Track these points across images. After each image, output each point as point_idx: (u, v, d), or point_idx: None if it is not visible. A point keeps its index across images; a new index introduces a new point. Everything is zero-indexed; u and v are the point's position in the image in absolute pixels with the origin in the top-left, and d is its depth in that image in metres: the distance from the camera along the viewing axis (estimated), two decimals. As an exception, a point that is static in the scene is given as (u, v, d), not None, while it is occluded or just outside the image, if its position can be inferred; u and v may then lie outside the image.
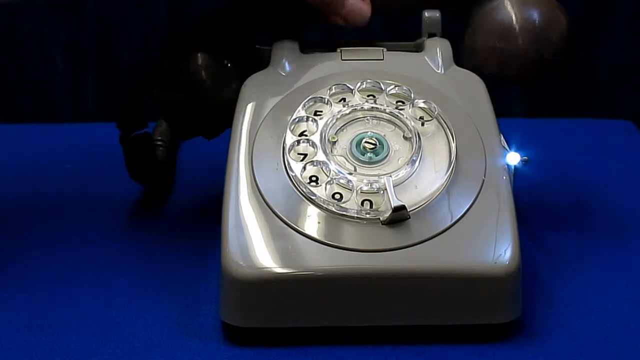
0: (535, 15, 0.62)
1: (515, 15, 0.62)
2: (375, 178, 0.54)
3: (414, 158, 0.55)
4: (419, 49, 0.64)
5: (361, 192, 0.54)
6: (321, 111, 0.58)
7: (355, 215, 0.53)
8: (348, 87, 0.58)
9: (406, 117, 0.57)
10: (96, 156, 0.76)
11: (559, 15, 0.63)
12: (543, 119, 0.87)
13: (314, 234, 0.52)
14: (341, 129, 0.57)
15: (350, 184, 0.54)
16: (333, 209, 0.53)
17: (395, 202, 0.52)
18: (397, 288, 0.52)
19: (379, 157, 0.55)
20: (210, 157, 0.65)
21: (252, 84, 0.60)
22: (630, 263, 0.62)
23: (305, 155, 0.55)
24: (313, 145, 0.56)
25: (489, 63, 0.62)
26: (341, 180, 0.54)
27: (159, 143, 0.70)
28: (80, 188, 0.72)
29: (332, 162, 0.55)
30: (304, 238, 0.52)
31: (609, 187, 0.72)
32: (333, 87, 0.58)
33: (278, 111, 0.58)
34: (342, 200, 0.53)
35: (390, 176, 0.54)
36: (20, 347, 0.54)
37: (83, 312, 0.57)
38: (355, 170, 0.54)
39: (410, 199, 0.53)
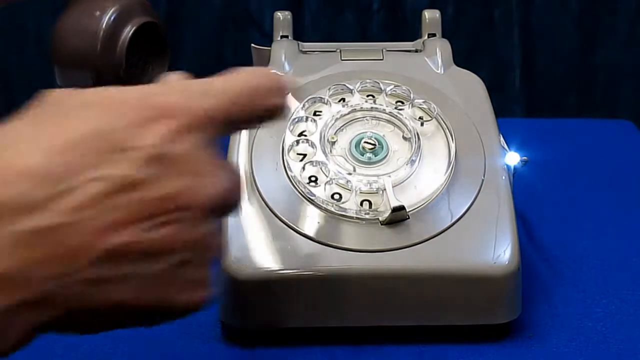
0: None
1: None
2: (375, 178, 0.54)
3: (413, 158, 0.55)
4: (418, 49, 0.64)
5: (360, 193, 0.54)
6: (320, 111, 0.58)
7: (355, 215, 0.53)
8: (347, 87, 0.58)
9: (405, 117, 0.57)
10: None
11: None
12: (543, 119, 0.87)
13: (314, 234, 0.52)
14: (340, 129, 0.57)
15: (350, 184, 0.54)
16: (332, 209, 0.53)
17: (394, 203, 0.52)
18: (397, 288, 0.52)
19: (378, 157, 0.55)
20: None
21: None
22: (630, 263, 0.62)
23: (305, 155, 0.55)
24: (312, 145, 0.56)
25: None
26: (340, 181, 0.54)
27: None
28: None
29: (331, 162, 0.55)
30: (304, 238, 0.52)
31: (609, 187, 0.72)
32: (332, 87, 0.58)
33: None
34: (342, 201, 0.53)
35: (390, 176, 0.54)
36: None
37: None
38: (354, 170, 0.54)
39: (410, 199, 0.53)
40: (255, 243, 0.52)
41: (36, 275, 0.31)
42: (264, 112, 0.39)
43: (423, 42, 0.64)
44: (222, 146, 0.58)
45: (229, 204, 0.37)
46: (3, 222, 0.31)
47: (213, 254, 0.36)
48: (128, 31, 0.63)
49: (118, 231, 0.33)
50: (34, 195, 0.32)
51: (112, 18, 0.63)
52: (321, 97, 0.58)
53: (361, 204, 0.53)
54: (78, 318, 0.34)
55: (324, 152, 0.55)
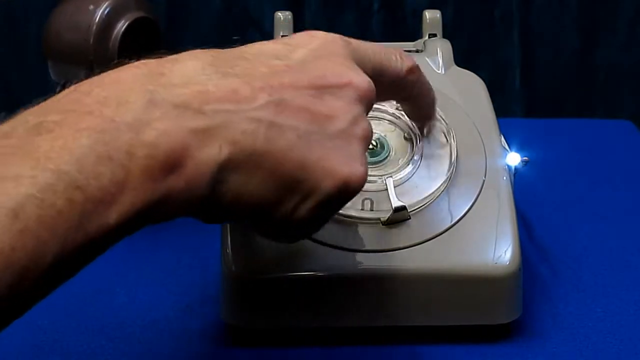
0: None
1: None
2: (376, 179, 0.54)
3: (415, 158, 0.55)
4: (419, 49, 0.63)
5: (362, 193, 0.53)
6: (321, 111, 0.57)
7: (356, 215, 0.53)
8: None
9: (407, 118, 0.56)
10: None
11: None
12: (543, 119, 0.87)
13: (314, 235, 0.52)
14: (341, 129, 0.56)
15: (351, 184, 0.54)
16: (333, 209, 0.53)
17: (395, 203, 0.52)
18: (398, 288, 0.52)
19: (379, 158, 0.55)
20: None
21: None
22: (630, 263, 0.62)
23: (306, 155, 0.55)
24: (313, 145, 0.55)
25: None
26: (341, 181, 0.54)
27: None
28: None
29: (332, 162, 0.54)
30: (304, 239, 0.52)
31: (608, 187, 0.72)
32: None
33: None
34: (343, 201, 0.53)
35: (391, 177, 0.54)
36: (21, 347, 0.54)
37: (83, 312, 0.57)
38: (355, 170, 0.54)
39: (411, 199, 0.53)
40: (256, 243, 0.52)
41: (207, 109, 0.37)
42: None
43: (424, 43, 0.64)
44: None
45: (370, 98, 0.43)
46: (193, 81, 0.38)
47: (367, 137, 0.43)
48: (121, 26, 0.63)
49: (283, 90, 0.39)
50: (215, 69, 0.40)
51: (106, 12, 0.63)
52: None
53: (362, 204, 0.53)
54: (245, 168, 0.38)
55: (325, 152, 0.55)
